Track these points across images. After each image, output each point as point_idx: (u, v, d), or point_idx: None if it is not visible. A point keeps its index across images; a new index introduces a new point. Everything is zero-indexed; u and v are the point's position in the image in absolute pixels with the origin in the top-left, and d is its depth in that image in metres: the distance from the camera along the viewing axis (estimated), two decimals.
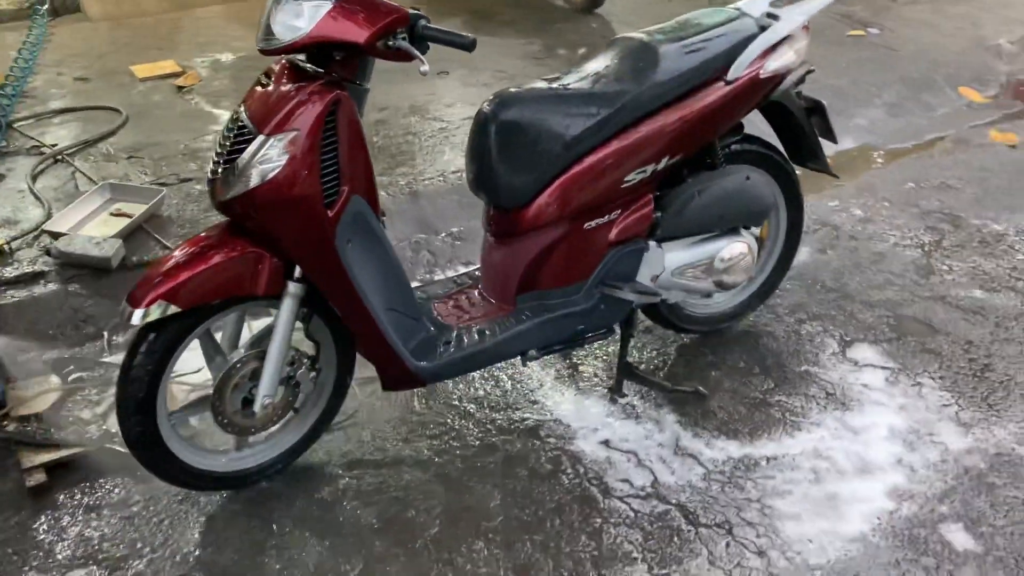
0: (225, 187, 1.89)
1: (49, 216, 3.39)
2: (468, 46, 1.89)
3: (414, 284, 2.82)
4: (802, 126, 2.57)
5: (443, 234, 3.44)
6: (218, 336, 2.17)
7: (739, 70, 2.27)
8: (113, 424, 2.41)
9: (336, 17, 1.81)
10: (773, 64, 2.33)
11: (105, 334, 2.90)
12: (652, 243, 2.34)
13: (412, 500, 2.18)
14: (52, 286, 3.04)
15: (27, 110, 4.51)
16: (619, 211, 2.27)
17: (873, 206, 3.61)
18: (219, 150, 1.93)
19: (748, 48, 2.27)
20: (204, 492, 2.22)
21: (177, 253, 1.96)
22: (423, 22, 1.88)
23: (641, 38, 2.29)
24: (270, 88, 1.92)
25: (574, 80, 2.25)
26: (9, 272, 3.07)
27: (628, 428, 2.40)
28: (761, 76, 2.31)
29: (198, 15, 6.26)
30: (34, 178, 3.72)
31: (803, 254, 3.24)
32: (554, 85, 2.24)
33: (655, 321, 2.68)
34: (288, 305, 2.01)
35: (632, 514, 2.11)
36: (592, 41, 5.45)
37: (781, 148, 2.65)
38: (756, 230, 2.56)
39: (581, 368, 2.66)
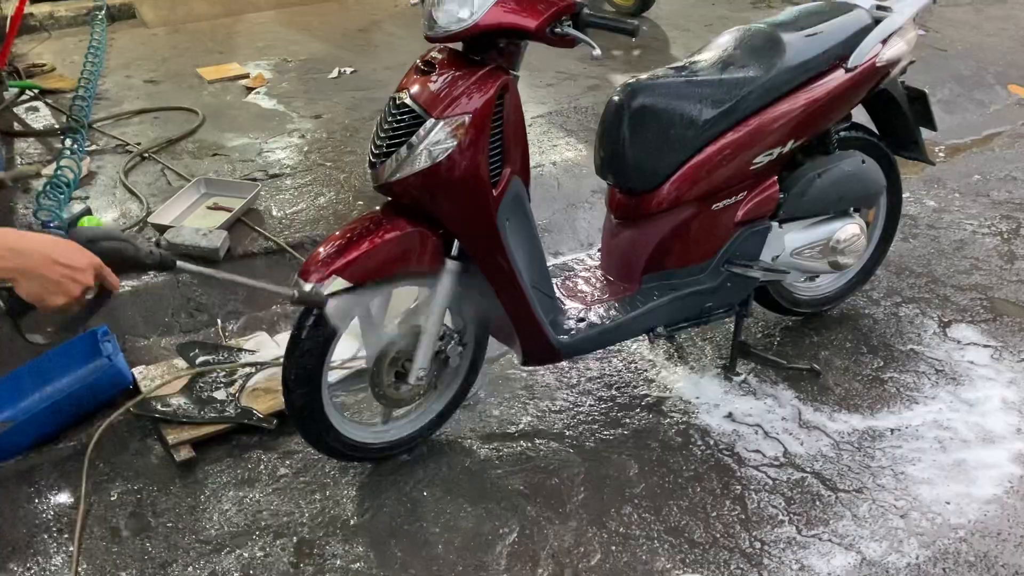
0: (391, 168, 1.99)
1: (148, 210, 3.49)
2: (632, 32, 1.99)
3: None
4: (905, 113, 2.68)
5: None
6: None
7: (859, 58, 2.38)
8: (248, 402, 2.50)
9: (505, 6, 1.91)
10: (888, 53, 2.43)
11: (219, 321, 3.00)
12: (774, 224, 2.44)
13: (553, 469, 2.28)
14: (163, 276, 3.13)
15: (104, 111, 4.62)
16: (746, 192, 2.37)
17: (944, 197, 3.72)
18: (381, 134, 2.03)
19: (867, 38, 2.38)
20: (351, 463, 2.31)
21: (342, 232, 2.06)
22: (586, 10, 1.99)
23: (763, 27, 2.40)
24: (435, 74, 2.02)
25: (701, 67, 2.35)
26: None
27: (749, 403, 2.49)
28: (877, 64, 2.41)
29: (251, 20, 6.39)
30: (125, 174, 3.83)
31: None
32: (682, 72, 2.34)
33: (761, 303, 2.78)
34: (447, 281, 2.10)
35: (770, 481, 2.21)
36: (644, 43, 5.56)
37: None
38: (866, 212, 2.66)
39: (689, 349, 2.76)
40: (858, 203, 2.55)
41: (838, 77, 2.38)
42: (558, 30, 1.95)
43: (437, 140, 1.93)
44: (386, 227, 2.04)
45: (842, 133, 2.60)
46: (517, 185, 2.06)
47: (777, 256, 2.46)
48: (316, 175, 3.85)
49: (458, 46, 2.04)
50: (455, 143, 1.93)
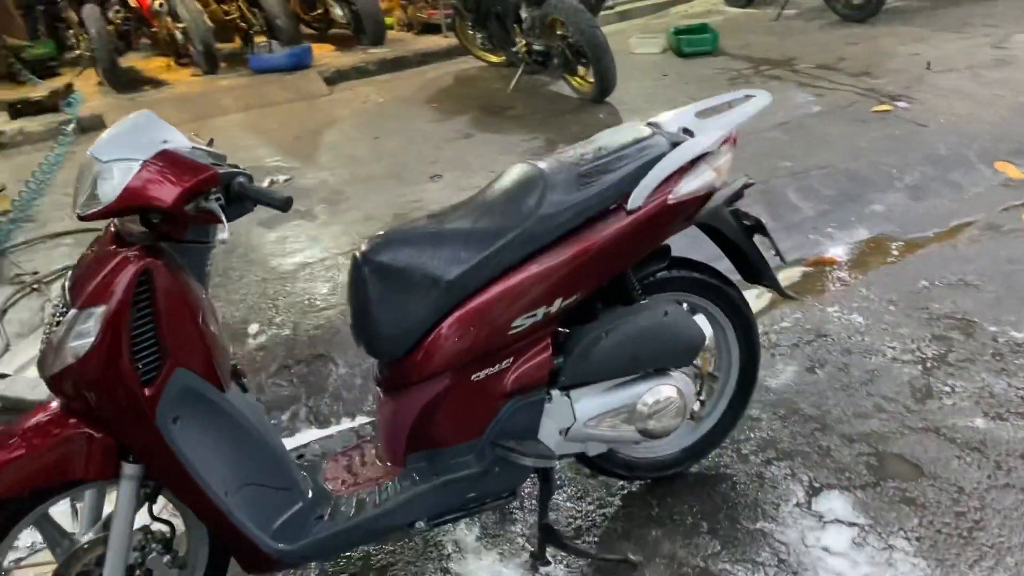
0: (46, 364, 1.73)
1: (7, 350, 3.34)
2: (282, 206, 1.70)
3: (323, 433, 2.62)
4: (740, 247, 2.28)
5: None
6: (67, 516, 2.00)
7: (640, 198, 2.00)
8: None
9: (144, 179, 1.65)
10: (687, 187, 2.05)
11: None
12: (556, 392, 2.06)
13: None
14: None
15: (24, 235, 4.56)
16: (511, 359, 2.01)
17: (876, 310, 3.23)
18: (48, 322, 1.78)
19: (650, 173, 2.01)
20: None
21: (6, 431, 1.80)
22: (240, 180, 1.70)
23: (532, 167, 2.06)
24: (92, 255, 1.77)
25: (457, 216, 2.03)
26: None
27: None
28: (670, 202, 2.03)
29: (216, 124, 6.36)
30: (4, 310, 3.70)
31: (787, 374, 2.89)
32: (432, 223, 2.02)
33: (591, 468, 2.38)
34: (126, 488, 1.80)
35: None
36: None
37: (722, 270, 2.36)
38: (689, 368, 2.26)
39: (510, 524, 2.37)
40: (662, 362, 2.14)
41: (617, 221, 2.00)
42: (203, 205, 1.66)
43: (80, 332, 1.68)
44: (50, 428, 1.77)
45: (660, 275, 2.22)
46: (186, 378, 1.75)
47: (568, 428, 2.08)
48: None
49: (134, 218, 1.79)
50: (96, 336, 1.66)
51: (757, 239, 2.31)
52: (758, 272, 2.33)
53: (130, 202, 1.65)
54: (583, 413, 2.08)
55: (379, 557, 2.30)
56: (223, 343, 1.91)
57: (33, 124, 6.35)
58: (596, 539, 2.28)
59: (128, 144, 1.71)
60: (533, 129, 5.43)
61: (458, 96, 6.46)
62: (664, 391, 2.12)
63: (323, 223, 4.35)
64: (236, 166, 1.74)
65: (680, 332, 2.13)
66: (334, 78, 7.01)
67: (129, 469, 1.80)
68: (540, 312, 1.97)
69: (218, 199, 1.68)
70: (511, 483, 2.08)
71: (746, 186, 2.28)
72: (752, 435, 2.60)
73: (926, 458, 2.42)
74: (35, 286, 3.93)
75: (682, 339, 2.13)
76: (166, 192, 1.64)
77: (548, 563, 2.21)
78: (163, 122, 1.76)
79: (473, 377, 1.99)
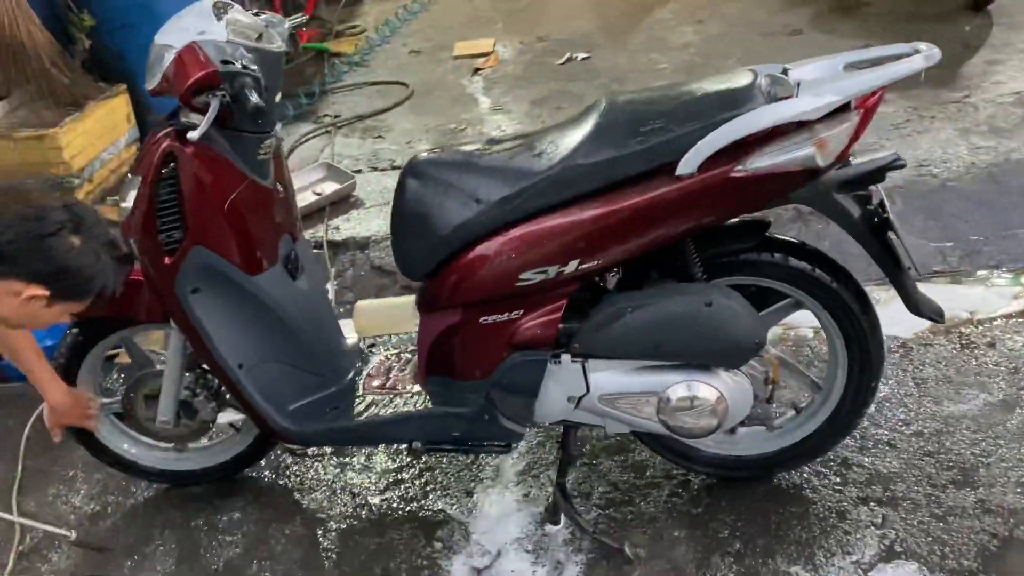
0: None
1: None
2: (251, 113, 1.71)
3: None
4: (861, 242, 1.81)
5: None
6: None
7: (692, 164, 1.66)
8: None
9: (173, 67, 1.76)
10: (765, 160, 1.66)
11: None
12: (566, 357, 1.88)
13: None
14: None
15: (350, 79, 5.10)
16: (522, 311, 1.86)
17: None
18: None
19: (708, 136, 1.65)
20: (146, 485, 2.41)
21: None
22: (243, 80, 1.72)
23: (603, 105, 1.79)
24: (156, 129, 1.95)
25: (509, 147, 1.87)
26: None
27: (518, 564, 2.01)
28: (736, 175, 1.66)
29: None
30: (292, 149, 4.21)
31: (975, 403, 2.31)
32: (482, 149, 1.90)
33: (641, 441, 2.16)
34: (173, 337, 2.07)
35: None
36: (952, 51, 4.31)
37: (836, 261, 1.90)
38: (756, 369, 1.90)
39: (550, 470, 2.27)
40: (695, 357, 1.81)
41: (659, 186, 1.70)
42: (208, 99, 1.73)
43: (129, 196, 1.90)
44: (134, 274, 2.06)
45: (746, 256, 1.86)
46: (207, 258, 1.89)
47: (579, 397, 1.90)
48: None
49: None
50: (132, 202, 1.87)
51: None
52: (889, 275, 1.85)
53: (163, 88, 1.79)
54: (598, 386, 1.88)
55: (426, 459, 2.36)
56: (284, 231, 2.02)
57: None
58: (621, 516, 2.10)
59: (176, 31, 1.81)
60: (873, 35, 4.63)
61: None
62: (701, 389, 1.83)
63: None
64: (249, 68, 1.75)
65: (723, 328, 1.78)
66: None
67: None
68: (552, 270, 1.78)
69: (223, 96, 1.73)
70: (500, 436, 1.98)
71: (890, 167, 1.77)
72: (870, 462, 2.14)
73: None
74: (328, 128, 4.42)
75: (725, 337, 1.79)
76: (179, 83, 1.74)
77: (557, 523, 2.10)
78: (211, 11, 1.81)
79: (481, 320, 1.89)
